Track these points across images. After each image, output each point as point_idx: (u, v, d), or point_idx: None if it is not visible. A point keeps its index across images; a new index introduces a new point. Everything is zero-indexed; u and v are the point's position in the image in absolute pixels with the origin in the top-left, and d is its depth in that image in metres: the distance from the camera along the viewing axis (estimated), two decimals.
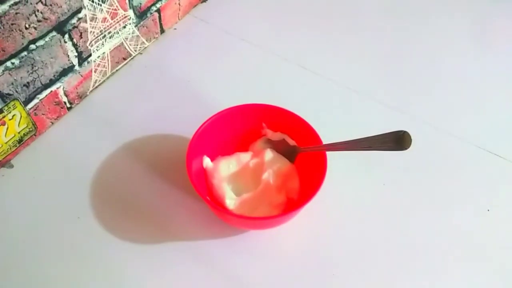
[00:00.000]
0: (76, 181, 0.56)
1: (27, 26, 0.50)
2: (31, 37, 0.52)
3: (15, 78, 0.52)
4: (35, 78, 0.55)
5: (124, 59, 0.69)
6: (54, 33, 0.54)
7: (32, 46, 0.52)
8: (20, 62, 0.52)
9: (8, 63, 0.51)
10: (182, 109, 0.64)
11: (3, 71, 0.50)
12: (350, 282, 0.50)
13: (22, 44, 0.51)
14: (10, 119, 0.54)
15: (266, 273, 0.50)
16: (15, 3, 0.47)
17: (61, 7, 0.53)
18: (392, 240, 0.52)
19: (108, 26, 0.62)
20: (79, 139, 0.61)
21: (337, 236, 0.53)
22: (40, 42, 0.53)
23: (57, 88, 0.59)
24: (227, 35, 0.75)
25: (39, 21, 0.51)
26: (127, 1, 0.63)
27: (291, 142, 0.54)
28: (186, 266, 0.50)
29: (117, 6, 0.62)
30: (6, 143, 0.55)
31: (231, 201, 0.51)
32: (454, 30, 0.79)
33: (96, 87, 0.66)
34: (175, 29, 0.76)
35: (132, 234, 0.52)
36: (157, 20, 0.72)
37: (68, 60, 0.59)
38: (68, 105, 0.63)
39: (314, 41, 0.76)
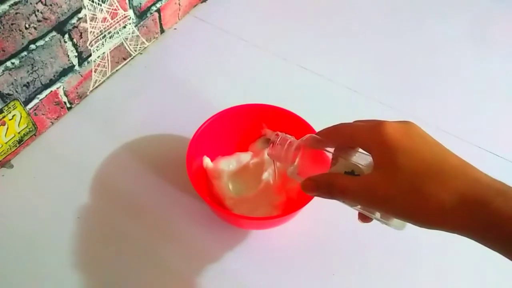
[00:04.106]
0: (76, 181, 0.56)
1: (27, 26, 0.50)
2: (31, 37, 0.52)
3: (15, 78, 0.52)
4: (35, 78, 0.55)
5: (124, 59, 0.69)
6: (54, 33, 0.54)
7: (32, 46, 0.52)
8: (20, 62, 0.52)
9: (8, 63, 0.51)
10: (182, 109, 0.64)
11: (3, 71, 0.50)
12: (350, 282, 0.50)
13: (22, 44, 0.51)
14: (10, 119, 0.54)
15: (266, 273, 0.50)
16: (15, 3, 0.47)
17: (61, 7, 0.53)
18: (392, 239, 0.52)
19: (108, 26, 0.62)
20: (79, 139, 0.61)
21: (337, 236, 0.53)
22: (40, 42, 0.53)
23: (57, 88, 0.59)
24: (227, 35, 0.75)
25: (39, 21, 0.51)
26: (127, 1, 0.63)
27: None
28: (185, 266, 0.50)
29: (117, 6, 0.62)
30: (6, 143, 0.55)
31: (231, 201, 0.51)
32: (454, 30, 0.79)
33: (96, 87, 0.66)
34: (175, 29, 0.76)
35: (132, 234, 0.52)
36: (157, 20, 0.72)
37: (68, 60, 0.59)
38: (68, 105, 0.63)
39: (314, 41, 0.76)
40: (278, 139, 0.39)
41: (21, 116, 0.55)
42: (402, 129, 0.31)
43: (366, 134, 0.32)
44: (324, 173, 0.35)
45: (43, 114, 0.59)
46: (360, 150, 0.35)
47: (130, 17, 0.66)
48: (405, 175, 0.29)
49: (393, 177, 0.29)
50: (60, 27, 0.55)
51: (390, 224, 0.34)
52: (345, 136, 0.35)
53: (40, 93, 0.57)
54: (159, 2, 0.70)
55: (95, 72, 0.64)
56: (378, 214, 0.35)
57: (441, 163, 0.29)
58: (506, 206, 0.26)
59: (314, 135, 0.37)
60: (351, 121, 0.37)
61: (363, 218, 0.36)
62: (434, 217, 0.28)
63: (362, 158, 0.35)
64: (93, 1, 0.57)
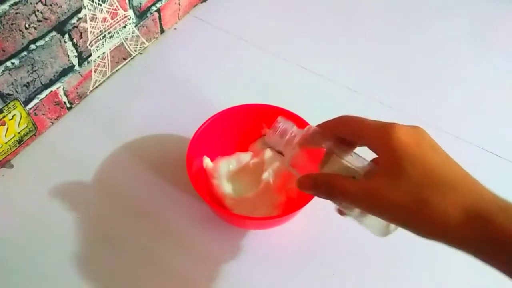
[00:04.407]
0: (76, 181, 0.56)
1: (27, 26, 0.50)
2: (31, 37, 0.52)
3: (15, 78, 0.52)
4: (35, 78, 0.55)
5: (124, 59, 0.69)
6: (54, 33, 0.54)
7: (32, 46, 0.52)
8: (20, 62, 0.52)
9: (8, 63, 0.51)
10: (182, 109, 0.64)
11: (3, 71, 0.50)
12: (350, 282, 0.50)
13: (22, 44, 0.51)
14: (10, 119, 0.54)
15: (266, 273, 0.50)
16: (15, 3, 0.47)
17: (61, 7, 0.53)
18: (391, 239, 0.52)
19: (108, 26, 0.62)
20: (79, 139, 0.61)
21: (337, 236, 0.53)
22: (40, 42, 0.53)
23: (57, 88, 0.59)
24: (227, 35, 0.75)
25: (39, 21, 0.51)
26: (127, 1, 0.63)
27: None
28: (186, 266, 0.50)
29: (117, 6, 0.62)
30: (6, 143, 0.55)
31: (231, 201, 0.51)
32: (454, 30, 0.79)
33: (96, 87, 0.66)
34: (175, 29, 0.76)
35: (132, 234, 0.52)
36: (157, 20, 0.72)
37: (68, 60, 0.59)
38: (68, 105, 0.63)
39: (314, 41, 0.76)
40: (279, 129, 0.38)
41: (21, 116, 0.55)
42: (413, 135, 0.30)
43: (376, 133, 0.31)
44: (323, 173, 0.35)
45: (43, 114, 0.59)
46: (355, 150, 0.35)
47: (130, 17, 0.66)
48: (412, 184, 0.28)
49: (398, 184, 0.29)
50: (60, 27, 0.55)
51: (367, 226, 0.34)
52: (352, 130, 0.33)
53: (40, 93, 0.57)
54: (159, 2, 0.70)
55: (95, 72, 0.64)
56: (357, 212, 0.34)
57: (449, 175, 0.29)
58: (508, 223, 0.26)
59: (316, 127, 0.36)
60: None
61: (342, 212, 0.36)
62: (437, 230, 0.28)
63: (358, 160, 0.34)
64: (93, 1, 0.57)
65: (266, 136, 0.39)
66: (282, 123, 0.38)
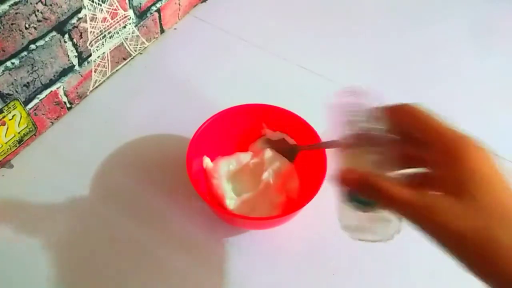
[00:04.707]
0: (76, 181, 0.56)
1: (27, 26, 0.50)
2: (31, 37, 0.52)
3: (15, 78, 0.52)
4: (35, 78, 0.55)
5: (124, 59, 0.69)
6: (54, 33, 0.54)
7: (32, 46, 0.52)
8: (20, 62, 0.52)
9: (8, 63, 0.51)
10: (182, 109, 0.64)
11: (3, 71, 0.50)
12: (350, 282, 0.50)
13: (22, 44, 0.51)
14: (10, 119, 0.54)
15: (266, 273, 0.50)
16: (15, 3, 0.47)
17: (61, 7, 0.53)
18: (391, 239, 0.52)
19: (108, 26, 0.62)
20: (79, 139, 0.61)
21: (337, 236, 0.52)
22: (40, 42, 0.53)
23: (57, 88, 0.59)
24: (227, 35, 0.75)
25: (39, 21, 0.51)
26: (127, 1, 0.63)
27: (291, 141, 0.54)
28: (185, 265, 0.50)
29: (117, 6, 0.62)
30: (6, 143, 0.55)
31: (231, 201, 0.51)
32: (454, 30, 0.79)
33: (96, 87, 0.66)
34: (175, 29, 0.76)
35: (132, 234, 0.52)
36: (157, 20, 0.72)
37: (68, 60, 0.59)
38: (68, 105, 0.63)
39: (314, 41, 0.76)
40: (356, 107, 0.33)
41: (21, 116, 0.55)
42: (486, 158, 0.27)
43: (449, 143, 0.28)
44: (371, 172, 0.30)
45: (43, 114, 0.59)
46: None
47: (130, 17, 0.66)
48: (480, 213, 0.26)
49: (464, 208, 0.26)
50: (60, 27, 0.55)
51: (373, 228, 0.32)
52: (420, 127, 0.30)
53: (40, 93, 0.57)
54: (159, 2, 0.70)
55: (95, 72, 0.64)
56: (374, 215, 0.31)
57: None
58: None
59: (377, 108, 0.32)
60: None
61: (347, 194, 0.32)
62: (499, 270, 0.25)
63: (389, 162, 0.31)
64: (93, 1, 0.57)
65: (338, 98, 0.34)
66: (361, 98, 0.33)
